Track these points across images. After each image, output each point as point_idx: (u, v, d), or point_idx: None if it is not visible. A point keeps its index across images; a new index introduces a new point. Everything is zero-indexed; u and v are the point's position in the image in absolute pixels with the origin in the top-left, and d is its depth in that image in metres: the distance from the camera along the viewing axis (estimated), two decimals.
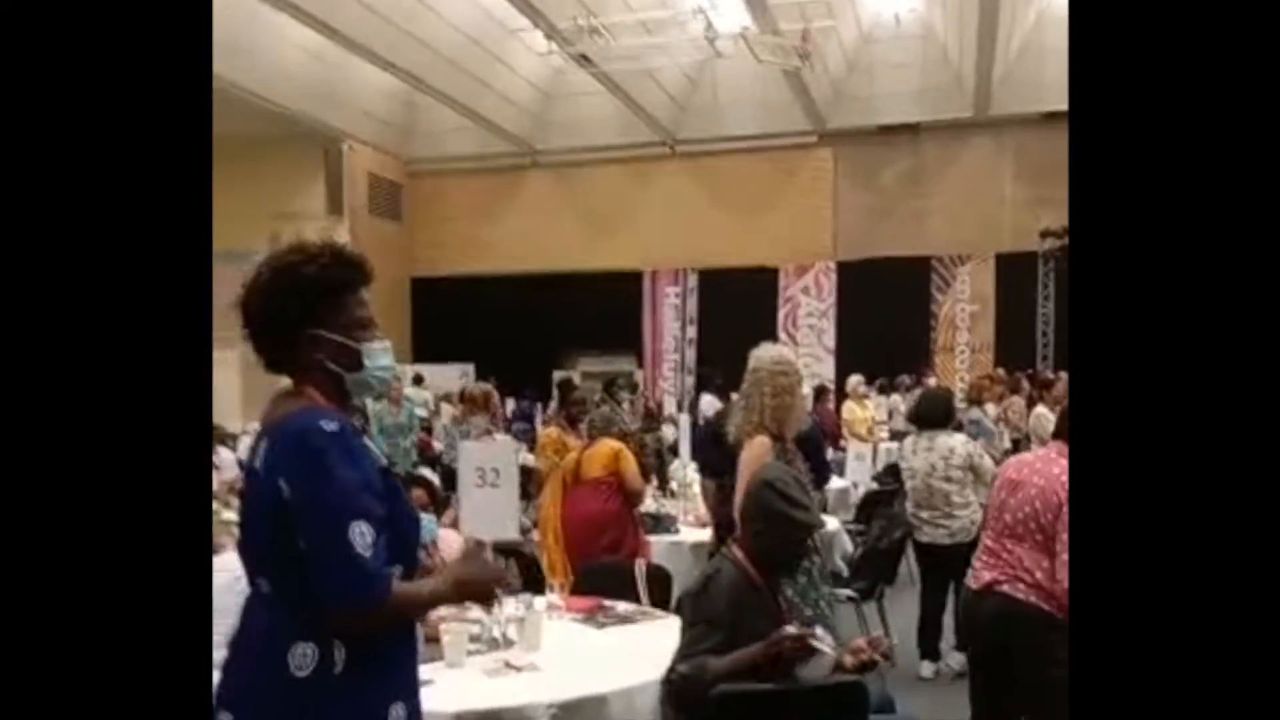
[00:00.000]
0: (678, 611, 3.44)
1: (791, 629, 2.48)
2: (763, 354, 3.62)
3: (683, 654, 2.50)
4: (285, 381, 1.76)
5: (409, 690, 1.75)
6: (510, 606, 2.97)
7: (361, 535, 1.59)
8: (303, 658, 1.62)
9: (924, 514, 4.89)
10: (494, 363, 13.39)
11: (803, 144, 15.05)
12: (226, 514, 3.45)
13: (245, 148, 15.30)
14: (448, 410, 11.06)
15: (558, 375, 12.63)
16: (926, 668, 4.88)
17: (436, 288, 16.12)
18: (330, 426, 1.66)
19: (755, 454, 3.49)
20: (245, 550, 1.74)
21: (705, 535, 4.96)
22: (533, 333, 14.82)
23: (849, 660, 2.52)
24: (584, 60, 12.62)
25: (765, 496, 2.64)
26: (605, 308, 15.16)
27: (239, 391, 12.87)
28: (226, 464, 8.05)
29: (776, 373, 3.58)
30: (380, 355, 1.80)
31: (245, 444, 8.48)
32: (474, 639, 2.80)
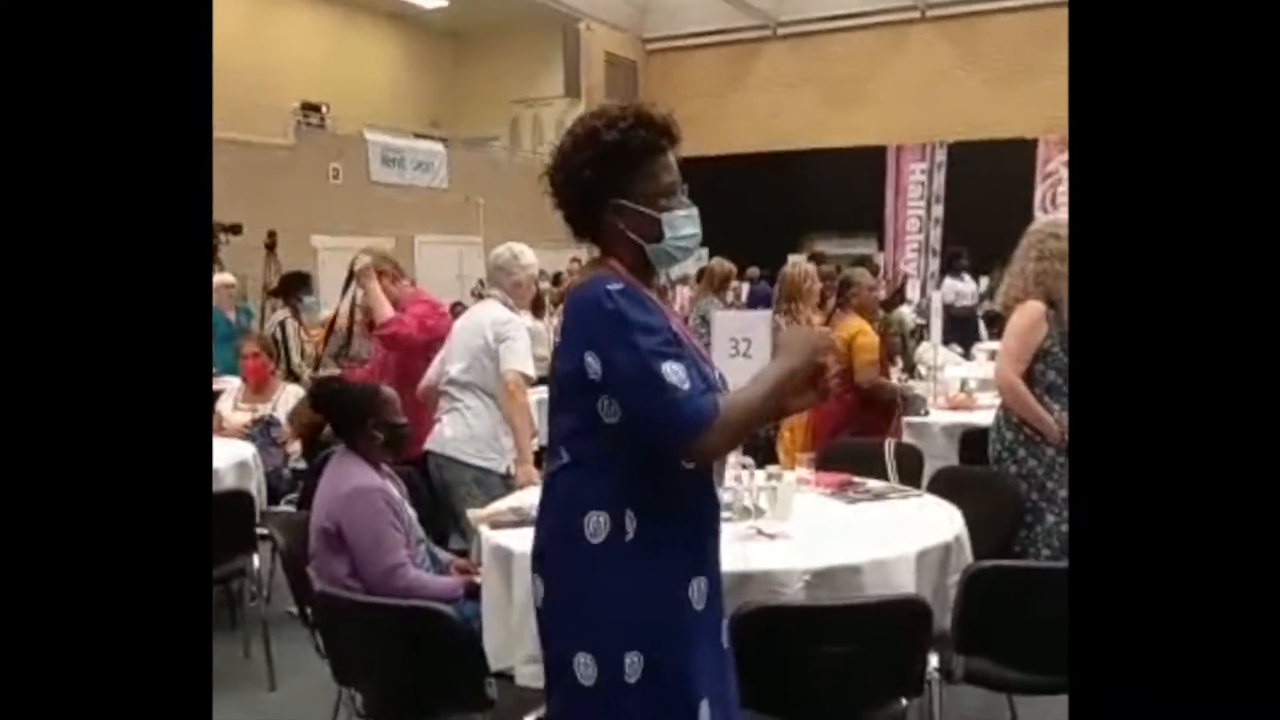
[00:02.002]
0: (931, 490, 3.32)
1: None
2: (1040, 221, 3.36)
3: None
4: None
5: (710, 565, 1.76)
6: (760, 477, 2.96)
7: (674, 372, 1.60)
8: (596, 525, 1.67)
9: None
10: (729, 243, 13.30)
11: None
12: None
13: (486, 35, 15.77)
14: (684, 291, 11.14)
15: (793, 258, 12.36)
16: None
17: None
18: (615, 286, 1.66)
19: (1026, 320, 3.26)
20: (552, 419, 1.79)
21: (957, 418, 4.75)
22: (769, 213, 14.53)
23: None
24: None
25: None
26: (845, 186, 14.61)
27: (483, 275, 13.63)
28: None
29: (1048, 235, 3.30)
30: (683, 223, 1.75)
31: None
32: (725, 507, 2.80)
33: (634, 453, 1.66)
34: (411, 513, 3.03)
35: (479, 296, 5.54)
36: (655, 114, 1.73)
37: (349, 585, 2.77)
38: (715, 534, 1.81)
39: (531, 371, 3.75)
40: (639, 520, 1.67)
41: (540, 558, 1.77)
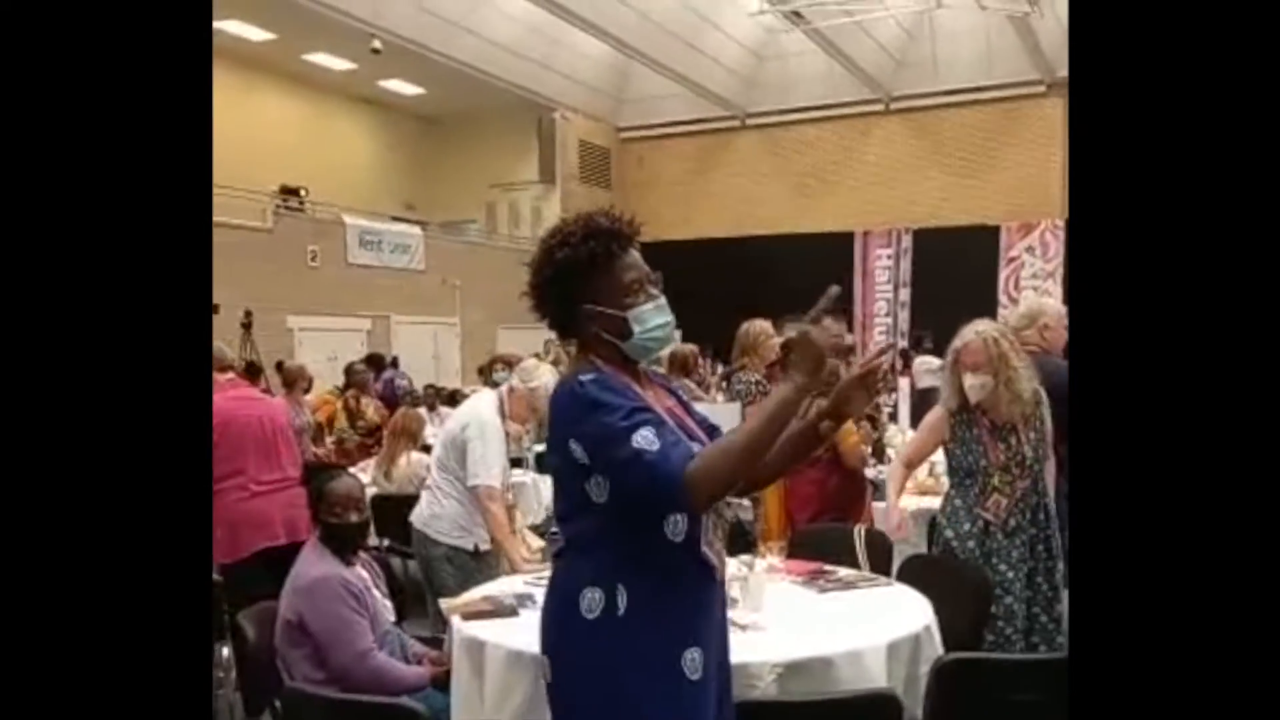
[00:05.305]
0: (900, 578, 3.34)
1: None
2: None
3: None
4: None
5: (705, 636, 1.78)
6: (732, 566, 2.97)
7: (643, 438, 1.65)
8: (591, 601, 1.75)
9: None
10: (700, 327, 13.42)
11: (1029, 94, 14.15)
12: None
13: (462, 122, 16.04)
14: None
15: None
16: None
17: (644, 253, 16.21)
18: (587, 376, 1.76)
19: (925, 422, 3.64)
20: (555, 503, 1.89)
21: (925, 503, 4.78)
22: (740, 297, 14.64)
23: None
24: (796, 18, 12.34)
25: None
26: (814, 271, 14.78)
27: (459, 357, 13.70)
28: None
29: (956, 346, 3.48)
30: (650, 316, 1.83)
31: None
32: None
33: (622, 529, 1.74)
34: (381, 601, 3.00)
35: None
36: (603, 222, 1.83)
37: (310, 677, 2.73)
38: (709, 605, 1.83)
39: (498, 483, 3.82)
40: (629, 594, 1.73)
41: (546, 637, 1.85)
